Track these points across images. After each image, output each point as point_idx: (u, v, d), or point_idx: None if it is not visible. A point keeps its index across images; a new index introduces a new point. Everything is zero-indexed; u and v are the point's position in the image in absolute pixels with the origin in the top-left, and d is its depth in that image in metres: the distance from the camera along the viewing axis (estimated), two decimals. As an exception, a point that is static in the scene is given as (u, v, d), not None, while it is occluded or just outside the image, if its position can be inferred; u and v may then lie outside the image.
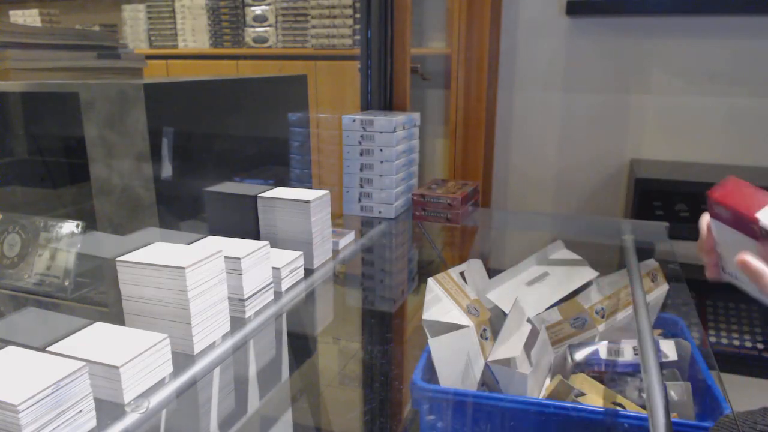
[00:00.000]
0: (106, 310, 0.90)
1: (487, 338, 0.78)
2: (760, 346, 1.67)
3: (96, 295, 0.96)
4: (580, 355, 0.79)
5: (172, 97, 0.92)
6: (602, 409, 0.68)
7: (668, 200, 1.73)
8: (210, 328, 0.72)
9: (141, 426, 0.58)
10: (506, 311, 0.83)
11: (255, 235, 1.01)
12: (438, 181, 1.45)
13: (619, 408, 0.70)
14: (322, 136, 1.80)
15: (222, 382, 0.70)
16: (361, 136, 1.31)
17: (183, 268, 0.67)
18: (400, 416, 0.76)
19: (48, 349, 0.60)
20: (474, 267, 0.91)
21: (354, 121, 1.31)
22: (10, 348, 0.57)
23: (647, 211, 1.68)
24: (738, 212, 0.52)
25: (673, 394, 0.69)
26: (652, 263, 0.90)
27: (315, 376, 0.85)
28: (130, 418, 0.58)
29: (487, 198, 2.03)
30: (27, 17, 2.74)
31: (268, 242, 0.84)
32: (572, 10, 1.81)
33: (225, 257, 0.75)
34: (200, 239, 0.85)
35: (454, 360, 0.74)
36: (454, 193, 1.30)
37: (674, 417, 0.68)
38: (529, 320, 0.80)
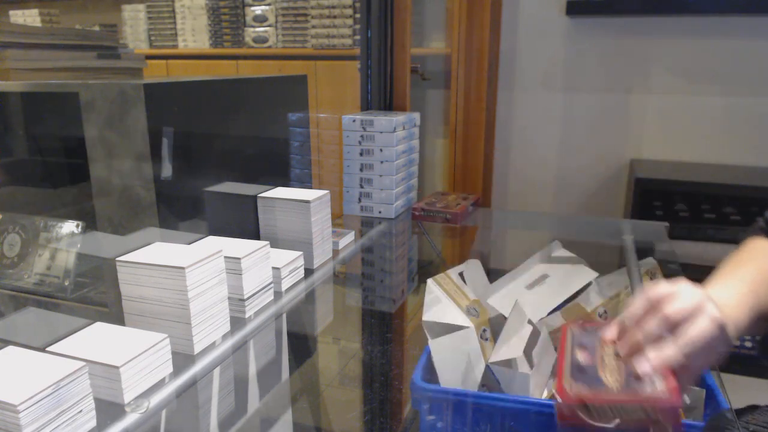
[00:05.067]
0: (106, 310, 0.90)
1: (487, 339, 0.78)
2: (760, 346, 1.67)
3: (96, 295, 0.96)
4: (580, 355, 0.79)
5: (172, 97, 0.92)
6: (602, 410, 0.67)
7: (668, 200, 1.73)
8: (210, 328, 0.72)
9: (141, 426, 0.58)
10: (507, 316, 0.82)
11: (255, 235, 1.01)
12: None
13: (619, 408, 0.70)
14: (322, 136, 1.80)
15: (222, 382, 0.70)
16: (361, 136, 1.31)
17: (183, 268, 0.67)
18: (400, 416, 0.76)
19: (48, 349, 0.60)
20: (473, 267, 0.91)
21: (354, 121, 1.31)
22: (10, 348, 0.57)
23: (647, 211, 1.67)
24: None
25: (686, 398, 0.69)
26: (650, 262, 0.90)
27: (315, 376, 0.85)
28: (130, 418, 0.58)
29: (487, 198, 2.03)
30: (27, 17, 2.74)
31: (268, 242, 0.84)
32: (572, 10, 1.81)
33: (225, 257, 0.75)
34: (200, 239, 0.85)
35: (455, 361, 0.74)
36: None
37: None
38: (529, 321, 0.79)
